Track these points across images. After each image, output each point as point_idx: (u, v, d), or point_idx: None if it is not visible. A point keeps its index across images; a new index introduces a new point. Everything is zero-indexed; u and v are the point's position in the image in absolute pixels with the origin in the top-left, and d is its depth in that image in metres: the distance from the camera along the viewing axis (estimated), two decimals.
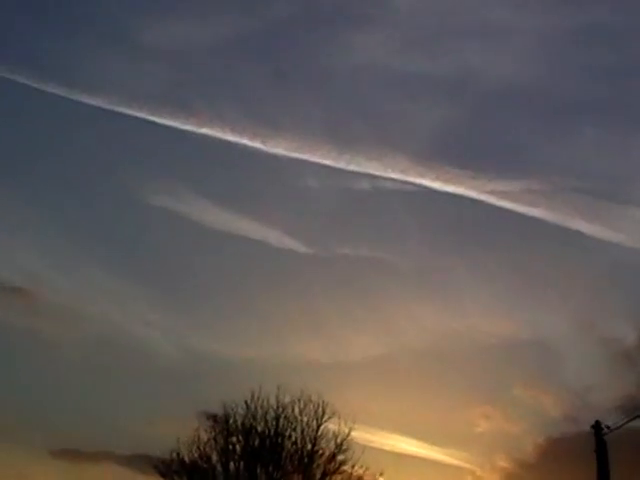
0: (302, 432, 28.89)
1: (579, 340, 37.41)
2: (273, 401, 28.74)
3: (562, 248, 38.46)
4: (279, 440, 28.67)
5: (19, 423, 34.39)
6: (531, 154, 41.96)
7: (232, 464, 28.34)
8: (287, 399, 28.75)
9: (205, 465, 28.35)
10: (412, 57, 42.42)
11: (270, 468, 28.36)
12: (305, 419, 29.00)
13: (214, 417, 28.69)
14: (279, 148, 38.38)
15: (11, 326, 36.43)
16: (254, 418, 28.68)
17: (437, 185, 38.55)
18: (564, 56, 42.39)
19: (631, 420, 23.51)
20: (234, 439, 28.58)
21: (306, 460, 28.59)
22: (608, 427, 22.27)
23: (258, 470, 28.35)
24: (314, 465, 28.71)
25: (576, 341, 37.27)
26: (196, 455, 28.10)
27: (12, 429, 33.45)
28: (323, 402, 28.64)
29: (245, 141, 38.02)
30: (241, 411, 28.66)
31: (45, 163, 40.31)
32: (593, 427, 22.93)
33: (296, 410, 28.99)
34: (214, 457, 28.30)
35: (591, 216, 38.35)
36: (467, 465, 35.29)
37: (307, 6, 42.68)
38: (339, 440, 28.28)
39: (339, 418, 28.37)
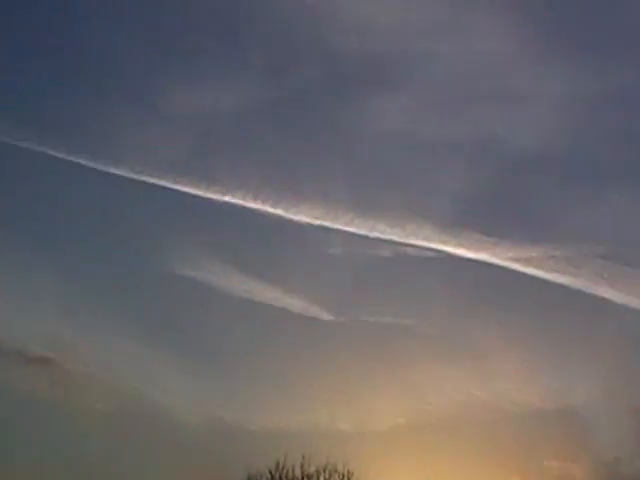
0: None
1: (607, 409, 36.55)
2: (298, 471, 28.67)
3: (587, 315, 37.84)
4: None
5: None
6: (554, 220, 41.21)
7: None
8: (312, 468, 28.68)
9: None
10: (434, 124, 42.46)
11: None
12: None
13: None
14: (302, 215, 38.41)
15: (34, 396, 36.30)
16: None
17: (460, 252, 38.30)
18: (585, 122, 42.40)
19: None
20: None
21: None
22: None
23: None
24: None
25: (604, 410, 36.43)
26: None
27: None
28: (348, 472, 28.62)
29: (269, 209, 37.99)
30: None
31: (73, 233, 40.40)
32: None
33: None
34: None
35: (616, 283, 37.64)
36: None
37: (329, 73, 42.69)
38: None
39: None
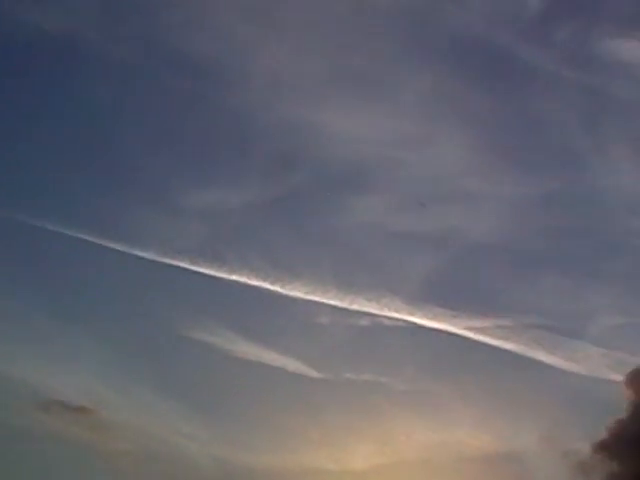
0: None
1: (544, 452, 40.07)
2: None
3: (527, 375, 41.74)
4: None
5: None
6: (502, 297, 45.60)
7: None
8: None
9: None
10: (404, 218, 46.94)
11: None
12: None
13: None
14: (296, 291, 42.98)
15: (73, 439, 40.27)
16: None
17: (425, 322, 42.69)
18: (526, 218, 46.79)
19: None
20: None
21: None
22: None
23: None
24: None
25: (541, 453, 40.03)
26: None
27: None
28: None
29: (268, 286, 42.50)
30: None
31: (107, 307, 44.25)
32: None
33: None
34: None
35: (552, 349, 41.92)
36: None
37: (317, 176, 46.87)
38: None
39: None
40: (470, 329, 43.13)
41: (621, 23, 46.71)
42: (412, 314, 43.57)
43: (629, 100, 47.36)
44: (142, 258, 42.48)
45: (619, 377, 40.85)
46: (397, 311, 43.40)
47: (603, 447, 37.93)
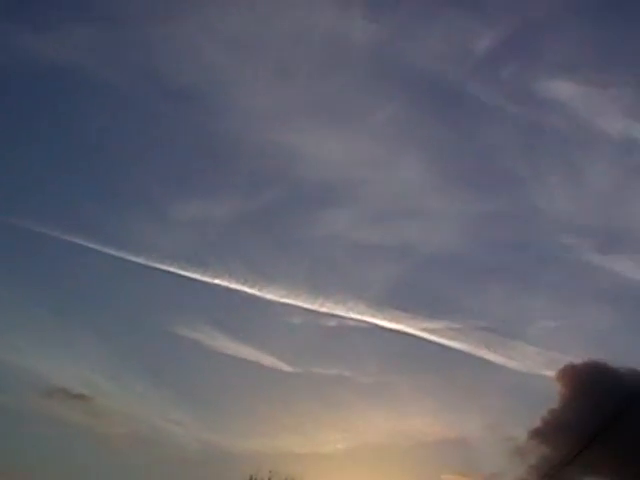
0: None
1: (488, 438, 43.06)
2: None
3: (475, 372, 45.03)
4: None
5: None
6: (453, 302, 48.54)
7: None
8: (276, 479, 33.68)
9: None
10: (368, 231, 50.15)
11: None
12: None
13: None
14: (271, 294, 45.52)
15: (73, 423, 43.24)
16: None
17: (385, 323, 45.18)
18: (475, 233, 50.31)
19: None
20: None
21: None
22: None
23: None
24: None
25: (486, 439, 43.05)
26: None
27: None
28: None
29: (246, 289, 45.01)
30: None
31: (104, 306, 47.37)
32: None
33: None
34: None
35: (495, 348, 44.81)
36: None
37: (292, 192, 50.04)
38: None
39: None
40: (425, 330, 45.40)
41: (557, 66, 49.42)
42: (374, 316, 45.65)
43: (562, 133, 50.01)
44: (135, 262, 44.68)
45: (552, 373, 42.90)
46: (361, 313, 45.62)
47: (538, 434, 39.85)
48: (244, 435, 44.76)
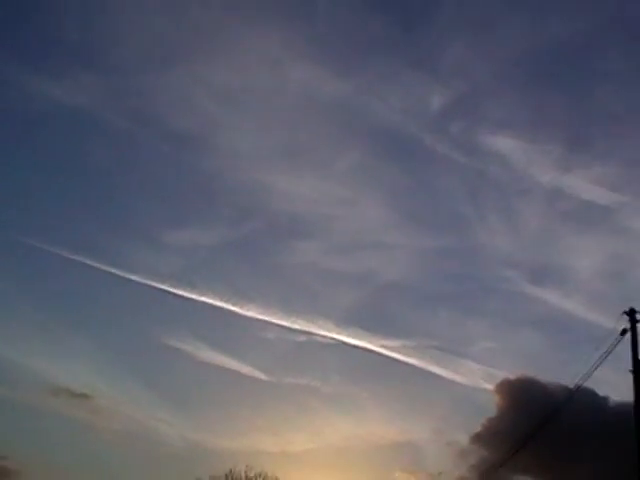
0: None
1: (434, 442, 47.57)
2: (243, 476, 35.49)
3: (425, 384, 49.68)
4: None
5: (71, 476, 46.72)
6: (408, 323, 54.24)
7: None
8: (252, 474, 35.77)
9: None
10: (335, 259, 56.04)
11: None
12: None
13: None
14: (250, 312, 49.05)
15: (73, 419, 47.81)
16: None
17: (349, 340, 48.67)
18: (427, 265, 56.32)
19: None
20: None
21: None
22: None
23: None
24: None
25: (433, 442, 47.52)
26: None
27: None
28: (276, 478, 36.28)
29: (228, 306, 48.58)
30: None
31: (104, 318, 52.29)
32: None
33: None
34: None
35: (443, 364, 49.07)
36: None
37: (270, 224, 55.98)
38: None
39: None
40: (383, 347, 48.71)
41: (498, 124, 55.75)
42: (339, 334, 49.18)
43: (502, 180, 55.54)
44: (132, 280, 48.72)
45: (491, 386, 46.64)
46: (328, 331, 48.87)
47: (478, 438, 43.09)
48: (224, 435, 49.10)
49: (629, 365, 17.77)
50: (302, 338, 51.35)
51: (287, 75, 55.41)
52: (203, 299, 48.70)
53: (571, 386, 22.14)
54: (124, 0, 52.77)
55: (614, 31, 54.55)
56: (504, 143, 53.59)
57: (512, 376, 46.93)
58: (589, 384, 21.61)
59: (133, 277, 48.85)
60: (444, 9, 54.94)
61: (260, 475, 35.61)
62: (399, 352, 49.48)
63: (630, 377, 17.76)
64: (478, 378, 53.73)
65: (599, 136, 57.21)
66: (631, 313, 18.13)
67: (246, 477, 35.41)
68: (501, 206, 56.29)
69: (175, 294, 48.61)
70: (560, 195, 54.25)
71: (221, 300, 49.14)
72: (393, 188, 57.39)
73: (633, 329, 17.94)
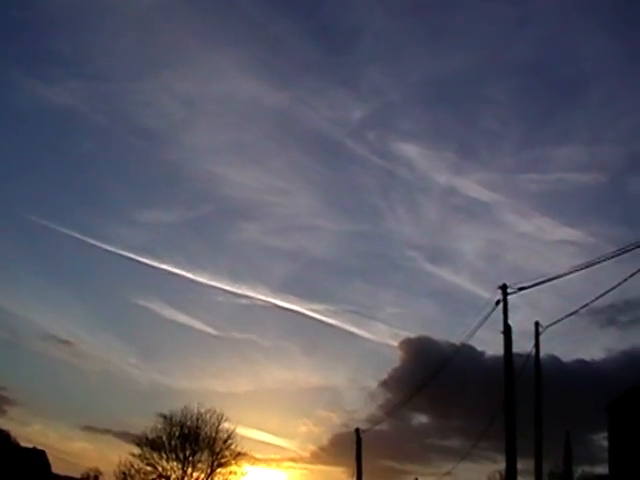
0: (210, 427, 40.34)
1: (350, 387, 57.14)
2: (196, 411, 40.15)
3: (341, 341, 58.27)
4: (198, 430, 39.85)
5: (57, 406, 53.34)
6: (330, 291, 64.21)
7: (173, 442, 39.39)
8: (203, 409, 40.52)
9: (159, 441, 39.39)
10: (273, 238, 65.28)
11: (193, 444, 39.44)
12: (212, 420, 40.60)
13: (165, 416, 40.32)
14: (203, 278, 58.85)
15: (60, 360, 55.65)
16: (186, 418, 40.11)
17: (283, 304, 58.54)
18: (347, 245, 65.72)
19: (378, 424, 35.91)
20: (175, 429, 39.85)
21: (211, 441, 39.88)
22: (362, 430, 34.28)
23: (187, 445, 39.29)
24: (215, 444, 40.02)
25: (348, 387, 57.14)
26: (155, 435, 39.57)
27: (52, 409, 52.57)
28: (222, 414, 40.56)
29: (186, 274, 56.87)
30: (179, 414, 40.23)
31: (85, 281, 61.16)
32: (356, 430, 34.77)
33: (207, 416, 40.48)
34: (164, 437, 39.64)
35: (358, 325, 61.73)
36: (293, 447, 53.30)
37: (221, 208, 64.55)
38: (229, 432, 40.50)
39: (229, 421, 40.58)
40: (311, 310, 60.09)
41: (406, 134, 64.94)
42: (275, 298, 59.17)
43: (408, 180, 64.26)
44: (108, 250, 56.62)
45: (395, 343, 57.66)
46: (266, 296, 58.75)
47: (385, 384, 50.69)
48: (181, 378, 57.36)
49: (501, 327, 21.30)
50: (245, 301, 60.90)
51: (237, 86, 63.96)
52: (166, 267, 57.14)
53: (457, 343, 25.58)
54: (106, 20, 61.42)
55: (498, 65, 64.75)
56: (410, 150, 62.78)
57: (412, 335, 57.22)
58: (471, 342, 24.75)
59: (109, 247, 57.11)
60: (365, 39, 65.12)
61: (210, 411, 40.06)
62: (323, 314, 60.21)
63: (501, 337, 21.25)
64: (386, 336, 66.14)
65: (483, 148, 68.18)
66: (503, 288, 21.32)
67: (198, 412, 39.87)
68: (407, 200, 65.72)
69: (143, 262, 56.65)
70: (453, 193, 63.81)
71: (180, 268, 59.31)
72: (321, 182, 66.58)
73: (505, 300, 21.25)
